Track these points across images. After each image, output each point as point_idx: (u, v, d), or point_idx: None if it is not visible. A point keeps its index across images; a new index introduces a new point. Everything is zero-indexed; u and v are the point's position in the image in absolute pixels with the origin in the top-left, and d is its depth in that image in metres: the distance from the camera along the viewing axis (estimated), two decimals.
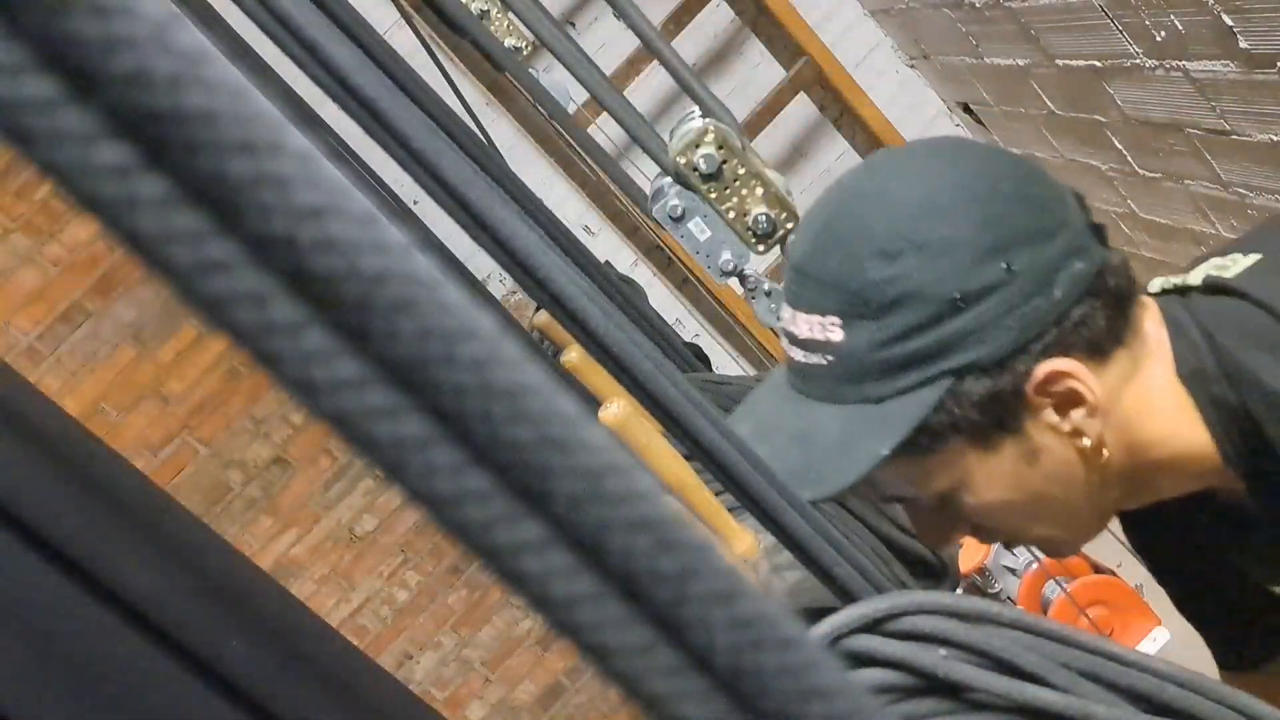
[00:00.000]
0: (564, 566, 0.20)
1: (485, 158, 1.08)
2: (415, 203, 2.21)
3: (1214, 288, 0.75)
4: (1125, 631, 2.27)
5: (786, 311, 0.74)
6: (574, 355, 1.25)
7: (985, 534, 0.81)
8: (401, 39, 1.89)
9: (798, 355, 0.73)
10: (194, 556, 0.75)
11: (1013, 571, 2.52)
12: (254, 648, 0.65)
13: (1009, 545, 0.84)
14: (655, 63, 2.59)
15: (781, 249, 1.33)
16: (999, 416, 0.70)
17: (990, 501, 0.74)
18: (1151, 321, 0.74)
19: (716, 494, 1.03)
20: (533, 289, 0.62)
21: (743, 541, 1.03)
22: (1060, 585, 2.29)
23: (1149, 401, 0.73)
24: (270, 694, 0.62)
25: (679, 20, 3.14)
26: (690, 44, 3.21)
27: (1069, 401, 0.70)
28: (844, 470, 0.71)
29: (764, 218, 1.29)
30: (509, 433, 0.19)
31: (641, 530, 0.20)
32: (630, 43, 3.01)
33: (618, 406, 0.92)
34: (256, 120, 0.18)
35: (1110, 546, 2.33)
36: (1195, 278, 0.76)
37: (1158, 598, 2.28)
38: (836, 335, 0.70)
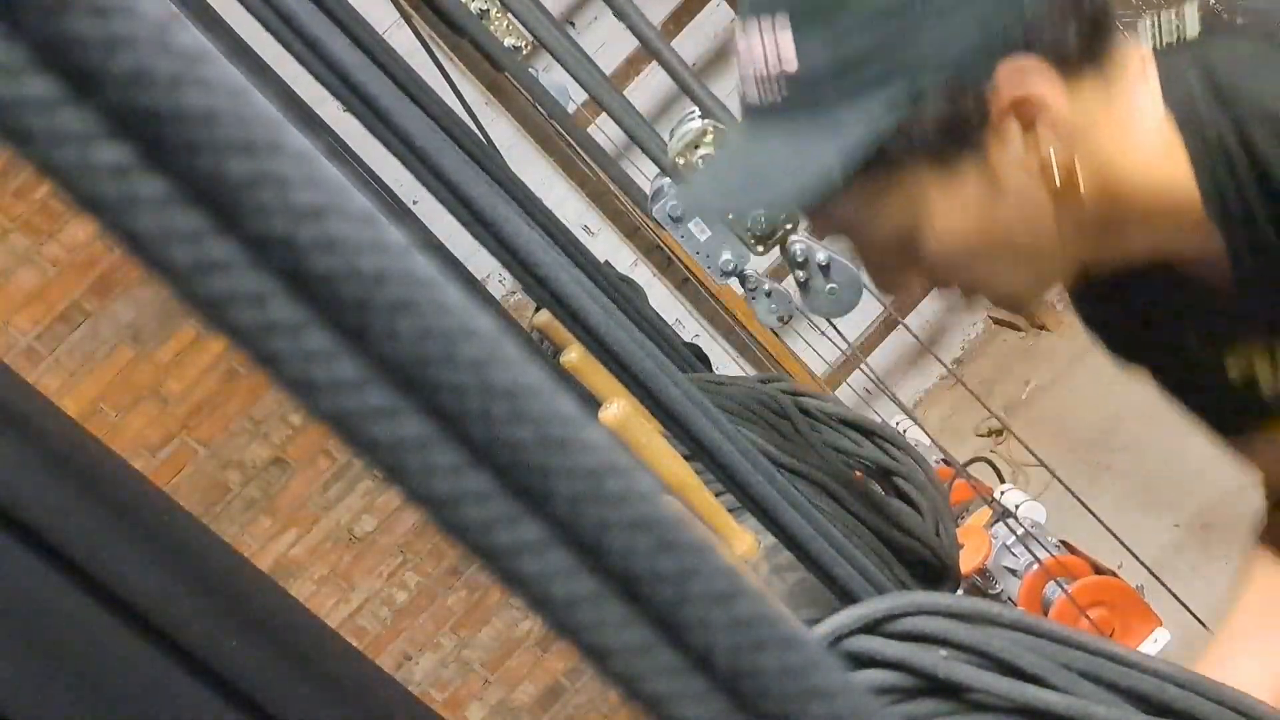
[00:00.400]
0: (564, 567, 0.20)
1: (484, 157, 1.07)
2: (415, 202, 2.21)
3: (1212, 30, 0.70)
4: (1126, 632, 2.26)
5: (739, 34, 0.70)
6: (574, 355, 1.25)
7: (943, 280, 0.75)
8: (400, 38, 1.89)
9: (752, 95, 0.70)
10: (193, 557, 0.75)
11: (1013, 573, 2.51)
12: (252, 648, 0.65)
13: (967, 297, 0.79)
14: (655, 63, 2.59)
15: (781, 249, 1.33)
16: (960, 135, 0.65)
17: (950, 243, 0.69)
18: (1135, 53, 0.69)
19: (717, 494, 1.03)
20: (534, 288, 0.61)
21: (743, 542, 1.03)
22: (1061, 586, 2.29)
23: (1127, 131, 0.68)
24: (269, 695, 0.62)
25: (679, 20, 3.14)
26: (690, 44, 3.21)
27: (1034, 116, 0.65)
28: (794, 187, 0.66)
29: (764, 218, 1.29)
30: (509, 433, 0.19)
31: (642, 530, 0.20)
32: (630, 42, 3.01)
33: (618, 406, 0.92)
34: (256, 120, 0.18)
35: (1111, 546, 2.33)
36: (1191, 26, 0.71)
37: (1159, 599, 2.29)
38: (790, 55, 0.65)
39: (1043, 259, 0.72)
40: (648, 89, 3.16)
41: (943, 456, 2.37)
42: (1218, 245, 0.70)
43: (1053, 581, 2.33)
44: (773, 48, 0.67)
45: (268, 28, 0.65)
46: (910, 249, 0.71)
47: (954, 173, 0.67)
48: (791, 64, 0.66)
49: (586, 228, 3.31)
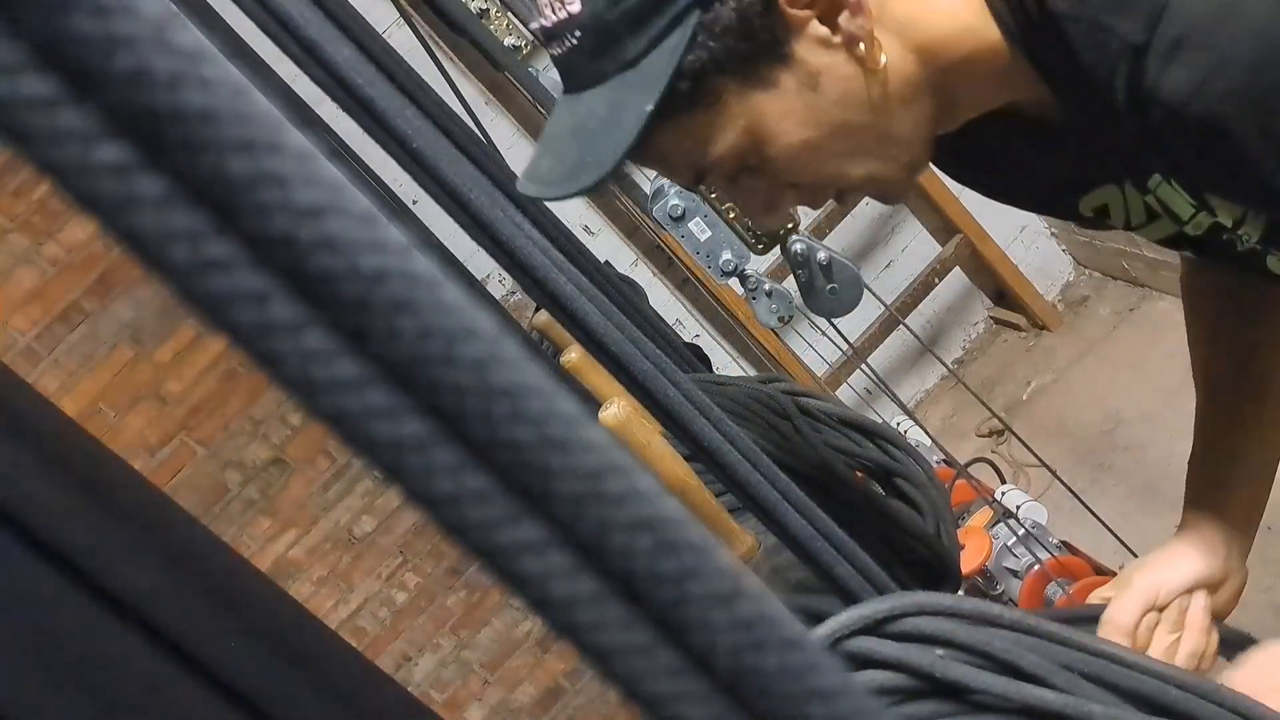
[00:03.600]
0: (564, 567, 0.20)
1: (485, 157, 1.07)
2: (414, 202, 2.21)
3: None
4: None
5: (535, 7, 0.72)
6: (574, 355, 1.25)
7: (809, 192, 0.77)
8: (401, 38, 1.89)
9: (554, 50, 0.71)
10: (192, 558, 0.75)
11: (1014, 573, 2.52)
12: (252, 649, 0.65)
13: (840, 200, 0.80)
14: None
15: (781, 249, 1.33)
16: (760, 42, 0.67)
17: (790, 145, 0.71)
18: None
19: (718, 495, 1.03)
20: (531, 288, 0.61)
21: (743, 543, 1.03)
22: (1062, 587, 2.29)
23: None
24: (268, 696, 0.62)
25: None
26: None
27: (832, 9, 0.68)
28: (616, 141, 0.67)
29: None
30: (509, 433, 0.19)
31: (642, 531, 0.20)
32: None
33: (618, 406, 0.92)
34: (256, 119, 0.18)
35: (1112, 547, 2.32)
36: None
37: None
38: (574, 4, 0.67)
39: (888, 138, 0.74)
40: None
41: (943, 457, 2.37)
42: (1042, 87, 0.72)
43: (1054, 582, 2.33)
44: (559, 5, 0.68)
45: (264, 30, 0.65)
46: (762, 167, 0.73)
47: (771, 84, 0.69)
48: (575, 5, 0.67)
49: (586, 228, 3.31)
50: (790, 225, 1.31)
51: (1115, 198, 0.81)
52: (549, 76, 2.76)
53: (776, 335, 3.07)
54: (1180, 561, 0.92)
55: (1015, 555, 2.49)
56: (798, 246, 1.30)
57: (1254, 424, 0.95)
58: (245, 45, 1.18)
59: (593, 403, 1.16)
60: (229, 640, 0.63)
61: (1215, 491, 0.94)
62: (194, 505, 2.42)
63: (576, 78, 0.70)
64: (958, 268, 3.52)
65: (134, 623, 0.57)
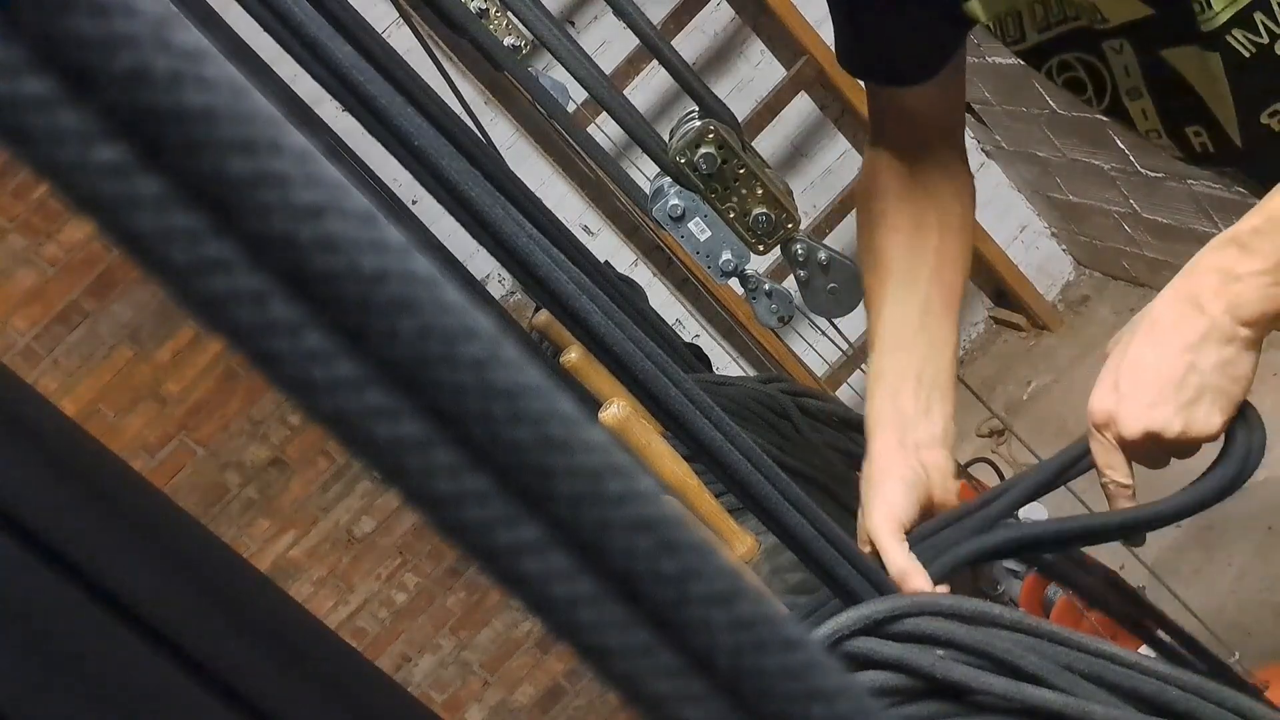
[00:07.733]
0: (564, 568, 0.20)
1: (484, 157, 1.07)
2: (414, 202, 2.21)
3: None
4: (1128, 634, 2.26)
5: None
6: (574, 355, 1.25)
7: None
8: (400, 38, 1.89)
9: None
10: (191, 558, 0.75)
11: (1015, 573, 2.51)
12: (251, 650, 0.65)
13: None
14: (655, 62, 2.58)
15: (782, 249, 1.32)
16: None
17: None
18: None
19: (718, 495, 1.03)
20: (533, 288, 0.61)
21: (743, 543, 1.03)
22: (1062, 587, 2.28)
23: None
24: (267, 696, 0.62)
25: (679, 19, 3.13)
26: (690, 43, 3.21)
27: None
28: None
29: (764, 218, 1.29)
30: (509, 433, 0.19)
31: (642, 531, 0.20)
32: (630, 42, 3.01)
33: (618, 407, 0.92)
34: (255, 119, 0.18)
35: (1110, 547, 2.32)
36: None
37: (1160, 600, 2.28)
38: None
39: None
40: (648, 88, 3.16)
41: None
42: None
43: (1054, 583, 2.33)
44: None
45: (266, 28, 0.65)
46: None
47: None
48: None
49: (586, 228, 3.31)
50: (790, 225, 1.31)
51: None
52: (548, 77, 2.75)
53: (776, 335, 3.07)
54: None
55: None
56: (798, 246, 1.30)
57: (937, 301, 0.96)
58: (245, 45, 1.18)
59: (593, 403, 1.16)
60: (229, 640, 0.63)
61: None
62: (193, 505, 2.42)
63: None
64: None
65: (131, 623, 0.57)
